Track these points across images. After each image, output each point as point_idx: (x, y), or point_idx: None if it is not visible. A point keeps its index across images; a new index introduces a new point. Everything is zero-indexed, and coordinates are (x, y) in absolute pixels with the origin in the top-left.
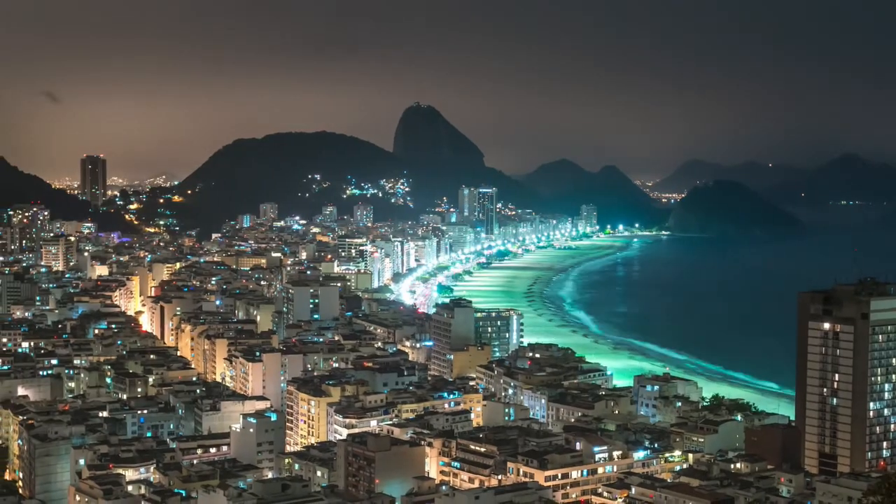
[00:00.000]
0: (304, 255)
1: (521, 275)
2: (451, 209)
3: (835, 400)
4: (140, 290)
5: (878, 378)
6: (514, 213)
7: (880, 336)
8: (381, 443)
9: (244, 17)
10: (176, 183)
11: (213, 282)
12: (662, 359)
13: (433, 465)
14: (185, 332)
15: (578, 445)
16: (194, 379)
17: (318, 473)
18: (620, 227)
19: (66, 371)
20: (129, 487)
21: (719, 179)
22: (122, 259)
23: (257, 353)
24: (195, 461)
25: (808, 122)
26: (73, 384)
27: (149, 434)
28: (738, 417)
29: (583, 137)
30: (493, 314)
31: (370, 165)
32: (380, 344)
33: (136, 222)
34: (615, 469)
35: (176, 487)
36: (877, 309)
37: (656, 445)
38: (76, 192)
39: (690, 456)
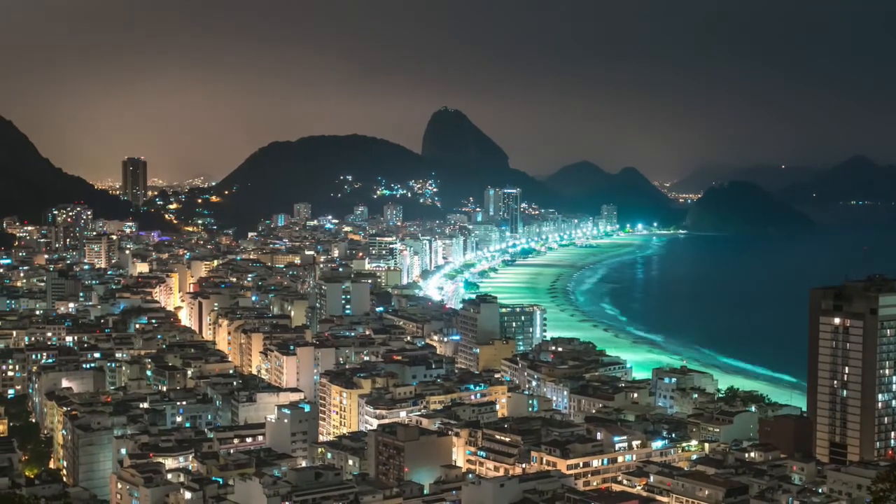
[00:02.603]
0: (336, 253)
1: (545, 272)
2: (478, 209)
3: (845, 392)
4: (179, 286)
5: (887, 371)
6: (537, 212)
7: (888, 331)
8: (410, 433)
9: (279, 26)
10: (213, 184)
11: (249, 278)
12: (680, 352)
13: (460, 454)
14: (223, 326)
15: (599, 435)
16: (231, 372)
17: (350, 462)
18: (639, 226)
19: (109, 364)
20: (169, 475)
21: (734, 180)
22: (161, 257)
23: (291, 347)
24: (232, 450)
25: (818, 125)
26: (114, 377)
27: (187, 424)
28: (753, 408)
29: (603, 140)
30: (518, 309)
31: (400, 167)
32: (409, 338)
33: (175, 221)
34: (634, 458)
35: (213, 475)
36: (885, 304)
37: (674, 435)
38: (118, 192)
39: (706, 445)
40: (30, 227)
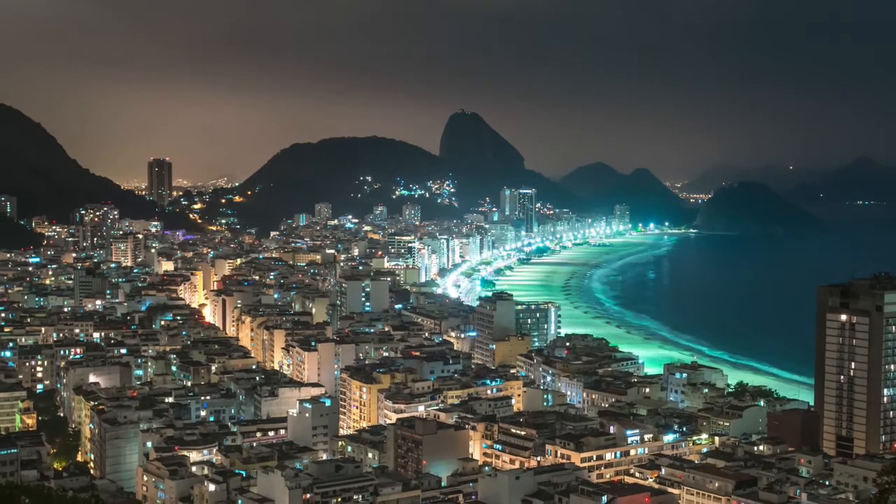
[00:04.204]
0: (356, 252)
1: (559, 270)
2: (494, 209)
3: (851, 386)
4: (203, 284)
5: (892, 366)
6: (552, 212)
7: (894, 327)
8: (428, 427)
9: (300, 31)
10: (237, 184)
11: (271, 276)
12: (690, 348)
13: (476, 448)
14: (246, 323)
15: (612, 429)
16: (254, 367)
17: (370, 455)
18: (651, 225)
19: (135, 359)
20: (193, 468)
21: (743, 181)
22: (186, 255)
23: (313, 343)
24: (255, 444)
25: (824, 127)
26: (140, 372)
27: (211, 418)
28: (761, 403)
29: (617, 142)
30: (533, 307)
31: (418, 168)
32: (427, 334)
33: (199, 221)
34: (646, 451)
35: (237, 468)
36: (890, 302)
37: (685, 429)
38: (144, 192)
39: (717, 439)
40: (58, 227)
